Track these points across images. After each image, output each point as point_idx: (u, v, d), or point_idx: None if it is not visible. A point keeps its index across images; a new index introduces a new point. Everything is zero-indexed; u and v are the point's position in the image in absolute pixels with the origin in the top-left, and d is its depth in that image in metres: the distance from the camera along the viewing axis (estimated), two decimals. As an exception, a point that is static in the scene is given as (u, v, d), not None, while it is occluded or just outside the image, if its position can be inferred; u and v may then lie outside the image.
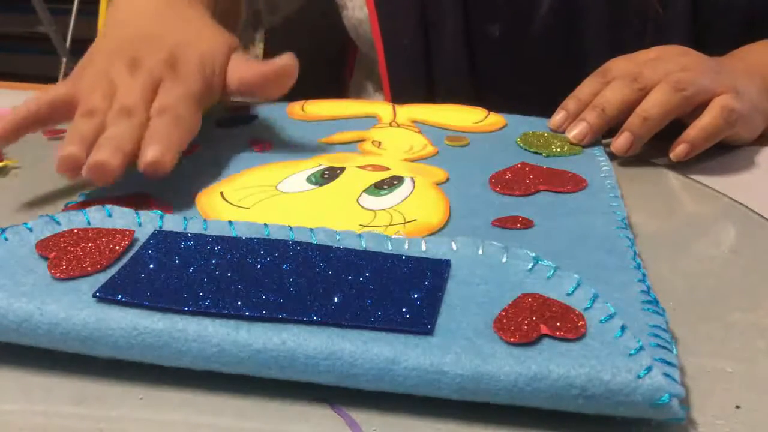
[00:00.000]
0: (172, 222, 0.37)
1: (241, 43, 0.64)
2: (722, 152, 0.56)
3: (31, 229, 0.35)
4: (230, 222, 0.36)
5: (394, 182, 0.45)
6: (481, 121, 0.59)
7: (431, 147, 0.52)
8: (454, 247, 0.35)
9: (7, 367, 0.30)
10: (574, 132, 0.54)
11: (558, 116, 0.57)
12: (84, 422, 0.28)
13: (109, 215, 0.37)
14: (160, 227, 0.36)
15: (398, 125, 0.57)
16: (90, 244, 0.34)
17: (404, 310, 0.30)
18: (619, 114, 0.53)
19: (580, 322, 0.29)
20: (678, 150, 0.53)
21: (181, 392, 0.29)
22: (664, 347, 0.29)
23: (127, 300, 0.30)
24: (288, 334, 0.29)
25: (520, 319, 0.29)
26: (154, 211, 0.37)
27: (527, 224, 0.41)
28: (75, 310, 0.30)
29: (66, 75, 2.25)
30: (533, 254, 0.34)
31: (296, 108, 0.61)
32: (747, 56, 0.61)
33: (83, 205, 0.39)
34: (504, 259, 0.34)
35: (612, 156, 0.53)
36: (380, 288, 0.31)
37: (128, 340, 0.29)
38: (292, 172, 0.47)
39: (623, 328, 0.29)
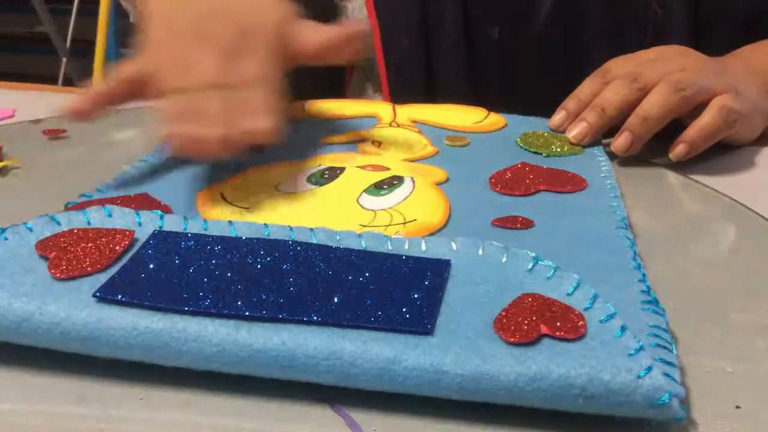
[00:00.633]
0: (172, 222, 0.37)
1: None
2: (722, 152, 0.56)
3: (31, 229, 0.35)
4: (230, 222, 0.36)
5: (394, 182, 0.45)
6: (481, 121, 0.59)
7: (431, 147, 0.52)
8: (454, 247, 0.35)
9: (7, 367, 0.30)
10: (574, 132, 0.54)
11: (558, 116, 0.57)
12: (84, 422, 0.28)
13: (109, 215, 0.37)
14: (160, 227, 0.36)
15: (398, 125, 0.57)
16: (90, 244, 0.34)
17: (404, 310, 0.30)
18: (619, 114, 0.53)
19: (580, 322, 0.29)
20: (677, 150, 0.53)
21: (181, 392, 0.29)
22: (664, 347, 0.29)
23: (127, 300, 0.30)
24: (288, 334, 0.29)
25: (520, 319, 0.29)
26: (154, 211, 0.37)
27: (527, 224, 0.41)
28: (75, 310, 0.30)
29: (66, 75, 2.25)
30: (533, 254, 0.34)
31: (296, 108, 0.61)
32: (747, 56, 0.61)
33: (83, 205, 0.39)
34: (504, 259, 0.34)
35: (612, 156, 0.53)
36: (380, 288, 0.31)
37: (128, 340, 0.29)
38: (292, 172, 0.47)
39: (623, 328, 0.29)
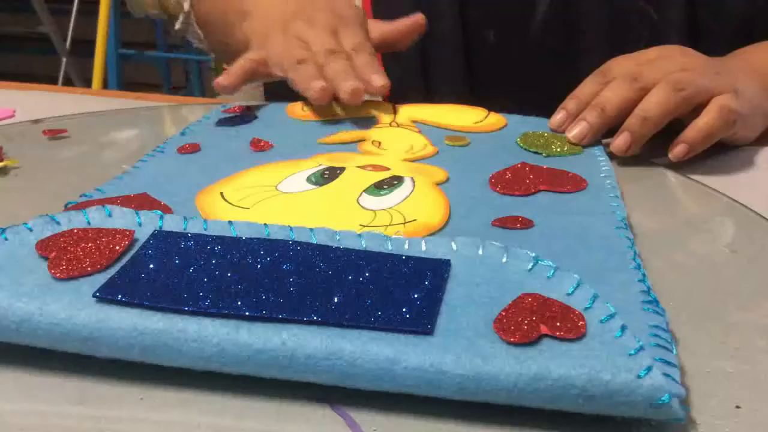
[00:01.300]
0: (172, 222, 0.37)
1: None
2: (722, 152, 0.56)
3: (31, 229, 0.35)
4: (230, 222, 0.36)
5: (394, 182, 0.45)
6: (481, 121, 0.59)
7: (431, 147, 0.52)
8: (454, 247, 0.35)
9: (7, 367, 0.30)
10: (575, 132, 0.54)
11: (558, 116, 0.57)
12: (84, 422, 0.28)
13: (109, 215, 0.37)
14: (160, 227, 0.36)
15: (398, 125, 0.57)
16: (90, 244, 0.34)
17: (404, 310, 0.30)
18: (620, 113, 0.53)
19: (580, 322, 0.29)
20: (677, 150, 0.53)
21: (181, 392, 0.29)
22: (664, 347, 0.29)
23: (127, 300, 0.30)
24: (288, 334, 0.29)
25: (520, 319, 0.29)
26: (154, 211, 0.37)
27: (527, 224, 0.41)
28: (75, 310, 0.30)
29: (66, 75, 2.25)
30: (533, 254, 0.34)
31: (296, 108, 0.61)
32: (747, 56, 0.61)
33: (83, 205, 0.39)
34: (504, 259, 0.34)
35: (612, 156, 0.53)
36: (380, 288, 0.31)
37: (128, 340, 0.29)
38: (292, 172, 0.47)
39: (623, 328, 0.29)
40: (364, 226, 0.40)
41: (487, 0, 0.69)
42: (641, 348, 0.28)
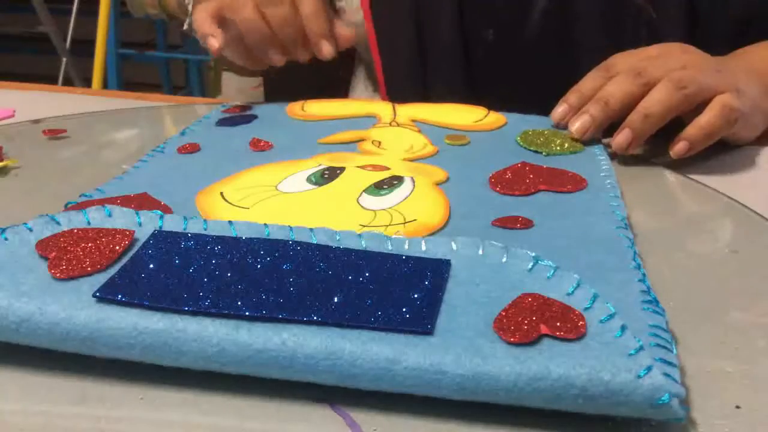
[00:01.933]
0: (172, 222, 0.37)
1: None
2: (722, 152, 0.56)
3: (31, 229, 0.35)
4: (230, 222, 0.36)
5: (394, 182, 0.45)
6: (481, 120, 0.59)
7: (431, 146, 0.52)
8: (454, 247, 0.35)
9: (7, 367, 0.30)
10: (577, 125, 0.54)
11: (560, 109, 0.56)
12: (84, 422, 0.28)
13: (109, 215, 0.37)
14: (160, 227, 0.36)
15: (398, 125, 0.57)
16: (90, 244, 0.34)
17: (404, 310, 0.30)
18: (622, 108, 0.53)
19: (580, 322, 0.29)
20: (677, 147, 0.53)
21: (181, 392, 0.29)
22: (664, 347, 0.29)
23: (127, 300, 0.30)
24: (288, 334, 0.29)
25: (520, 319, 0.29)
26: (154, 211, 0.37)
27: (527, 224, 0.41)
28: (75, 310, 0.30)
29: (66, 75, 2.25)
30: (533, 254, 0.34)
31: (296, 108, 0.61)
32: (748, 56, 0.61)
33: (83, 205, 0.39)
34: (504, 259, 0.34)
35: (612, 156, 0.53)
36: (380, 288, 0.31)
37: (128, 340, 0.29)
38: (292, 172, 0.47)
39: (623, 328, 0.29)
40: (364, 226, 0.40)
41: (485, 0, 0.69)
42: (641, 348, 0.28)
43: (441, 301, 0.31)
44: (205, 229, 0.36)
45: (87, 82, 2.12)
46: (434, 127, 0.57)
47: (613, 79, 0.54)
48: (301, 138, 0.54)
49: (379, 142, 0.53)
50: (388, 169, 0.47)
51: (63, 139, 0.58)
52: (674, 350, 0.30)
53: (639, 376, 0.27)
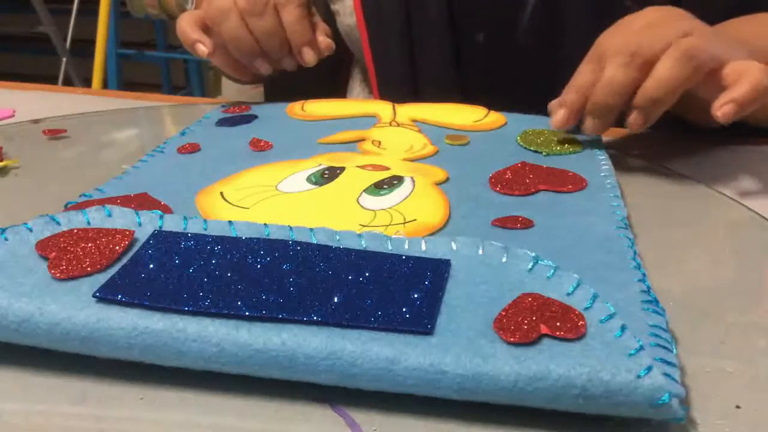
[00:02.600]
0: (172, 222, 0.37)
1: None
2: (722, 152, 0.56)
3: (31, 229, 0.35)
4: (230, 222, 0.36)
5: (394, 182, 0.45)
6: (481, 120, 0.59)
7: (431, 146, 0.52)
8: (454, 247, 0.35)
9: (7, 367, 0.30)
10: (587, 132, 0.52)
11: (559, 115, 0.53)
12: (84, 422, 0.28)
13: (109, 215, 0.37)
14: (160, 227, 0.36)
15: (398, 124, 0.57)
16: (90, 244, 0.34)
17: (404, 309, 0.30)
18: (625, 99, 0.49)
19: (580, 322, 0.29)
20: (726, 109, 0.46)
21: (181, 392, 0.29)
22: (664, 347, 0.29)
23: (127, 300, 0.30)
24: (288, 334, 0.29)
25: (520, 318, 0.29)
26: (154, 211, 0.37)
27: (527, 224, 0.41)
28: (75, 310, 0.30)
29: (66, 75, 2.25)
30: (533, 254, 0.34)
31: (296, 108, 0.61)
32: (733, 30, 0.57)
33: (83, 205, 0.39)
34: (504, 259, 0.34)
35: (612, 155, 0.53)
36: (380, 288, 0.31)
37: (128, 340, 0.29)
38: (292, 172, 0.47)
39: (623, 328, 0.29)
40: (364, 226, 0.40)
41: (475, 1, 0.69)
42: (641, 348, 0.28)
43: (441, 301, 0.31)
44: (205, 229, 0.36)
45: (87, 82, 2.12)
46: (434, 126, 0.57)
47: (607, 67, 0.49)
48: (301, 138, 0.54)
49: (379, 142, 0.53)
50: (388, 169, 0.47)
51: (63, 139, 0.58)
52: (674, 350, 0.30)
53: (639, 376, 0.27)
